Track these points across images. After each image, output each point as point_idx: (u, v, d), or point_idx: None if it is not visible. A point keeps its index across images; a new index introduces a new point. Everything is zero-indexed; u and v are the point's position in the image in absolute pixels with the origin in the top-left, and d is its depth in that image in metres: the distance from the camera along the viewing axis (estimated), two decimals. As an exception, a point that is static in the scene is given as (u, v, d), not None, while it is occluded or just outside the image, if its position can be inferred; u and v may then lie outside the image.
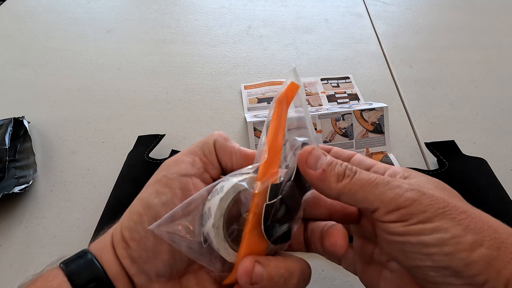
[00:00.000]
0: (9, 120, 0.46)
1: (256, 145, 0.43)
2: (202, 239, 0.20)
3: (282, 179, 0.21)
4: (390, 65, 0.59)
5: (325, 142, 0.43)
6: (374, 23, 0.68)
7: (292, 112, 0.23)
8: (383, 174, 0.21)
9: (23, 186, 0.39)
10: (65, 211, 0.39)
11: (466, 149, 0.43)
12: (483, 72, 0.57)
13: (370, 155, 0.44)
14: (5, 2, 0.73)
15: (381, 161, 0.43)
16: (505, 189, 0.38)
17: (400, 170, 0.21)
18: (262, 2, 0.75)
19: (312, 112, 0.44)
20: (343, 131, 0.44)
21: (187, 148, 0.23)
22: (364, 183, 0.19)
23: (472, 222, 0.17)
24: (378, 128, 0.44)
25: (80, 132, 0.48)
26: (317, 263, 0.35)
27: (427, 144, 0.44)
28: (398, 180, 0.19)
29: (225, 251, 0.19)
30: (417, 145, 0.46)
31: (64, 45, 0.63)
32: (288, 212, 0.20)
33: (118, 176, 0.41)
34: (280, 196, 0.20)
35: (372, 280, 0.22)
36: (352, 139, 0.44)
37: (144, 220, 0.19)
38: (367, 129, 0.44)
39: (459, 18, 0.69)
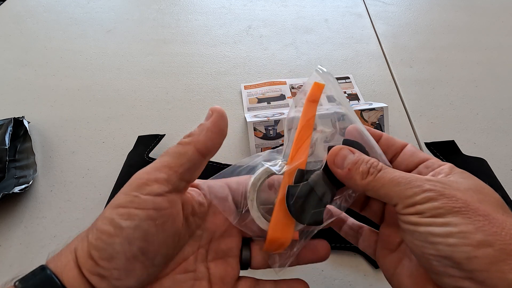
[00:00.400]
0: (9, 120, 0.46)
1: (256, 145, 0.43)
2: (242, 209, 0.25)
3: (314, 169, 0.24)
4: (390, 65, 0.59)
5: (325, 142, 0.43)
6: (374, 23, 0.68)
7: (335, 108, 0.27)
8: (432, 171, 0.22)
9: (23, 186, 0.39)
10: (65, 211, 0.39)
11: (466, 149, 0.43)
12: (483, 72, 0.57)
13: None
14: (5, 2, 0.73)
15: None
16: (505, 189, 0.38)
17: (447, 168, 0.21)
18: (262, 2, 0.75)
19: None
20: (343, 131, 0.44)
21: (160, 160, 0.21)
22: (386, 181, 0.20)
23: (488, 225, 0.17)
24: (378, 128, 0.44)
25: (80, 132, 0.48)
26: (317, 263, 0.35)
27: (427, 144, 0.44)
28: (421, 179, 0.20)
29: (259, 219, 0.24)
30: (417, 145, 0.46)
31: (64, 45, 0.63)
32: (314, 196, 0.23)
33: (118, 176, 0.41)
34: (305, 181, 0.23)
35: (390, 265, 0.24)
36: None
37: (116, 242, 0.19)
38: (367, 129, 0.44)
39: (459, 18, 0.69)
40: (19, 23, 0.68)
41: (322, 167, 0.23)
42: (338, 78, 0.56)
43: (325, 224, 0.24)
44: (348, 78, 0.56)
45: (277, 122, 0.43)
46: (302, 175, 0.23)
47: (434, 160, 0.23)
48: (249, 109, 0.51)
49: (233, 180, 0.25)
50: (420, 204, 0.19)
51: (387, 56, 0.61)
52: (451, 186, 0.19)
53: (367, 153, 0.23)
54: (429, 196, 0.19)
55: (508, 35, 0.65)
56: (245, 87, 0.55)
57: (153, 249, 0.20)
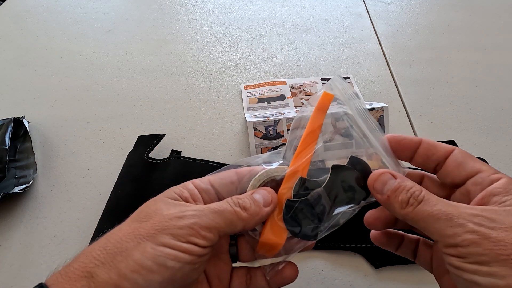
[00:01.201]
0: (9, 120, 0.46)
1: (256, 145, 0.43)
2: None
3: (316, 179, 0.24)
4: (390, 65, 0.59)
5: (325, 142, 0.43)
6: (374, 23, 0.68)
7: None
8: (485, 188, 0.20)
9: (23, 186, 0.39)
10: (65, 211, 0.39)
11: (466, 149, 0.43)
12: (483, 72, 0.57)
13: (370, 155, 0.44)
14: (5, 2, 0.73)
15: (381, 161, 0.43)
16: (505, 189, 0.38)
17: (501, 187, 0.19)
18: (262, 2, 0.75)
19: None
20: (343, 131, 0.44)
21: (214, 217, 0.21)
22: (426, 215, 0.19)
23: None
24: (378, 128, 0.44)
25: (80, 132, 0.48)
26: (317, 263, 0.35)
27: (427, 144, 0.44)
28: (464, 216, 0.18)
29: None
30: (417, 145, 0.46)
31: (64, 45, 0.63)
32: (311, 213, 0.23)
33: (118, 176, 0.41)
34: (304, 195, 0.23)
35: (446, 283, 0.23)
36: (352, 139, 0.44)
37: (155, 279, 0.18)
38: (367, 129, 0.44)
39: (459, 18, 0.69)
40: (19, 23, 0.68)
41: (324, 185, 0.23)
42: (338, 78, 0.56)
43: (320, 237, 0.24)
44: (348, 78, 0.56)
45: (277, 122, 0.43)
46: (303, 183, 0.23)
47: (485, 173, 0.20)
48: (249, 109, 0.51)
49: (232, 174, 0.25)
50: (462, 247, 0.17)
51: (387, 56, 0.61)
52: (502, 223, 0.17)
53: (369, 173, 0.23)
54: (471, 239, 0.17)
55: (508, 35, 0.65)
56: (245, 87, 0.55)
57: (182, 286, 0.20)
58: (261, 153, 0.43)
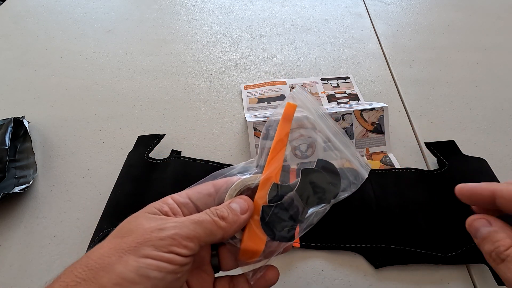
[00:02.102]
0: (9, 120, 0.46)
1: (256, 145, 0.43)
2: None
3: (288, 184, 0.25)
4: (390, 65, 0.59)
5: (325, 142, 0.43)
6: (374, 23, 0.68)
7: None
8: None
9: (23, 186, 0.39)
10: (65, 211, 0.39)
11: (466, 149, 0.43)
12: (483, 72, 0.57)
13: (370, 155, 0.44)
14: (5, 2, 0.73)
15: (381, 161, 0.43)
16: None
17: None
18: (262, 2, 0.75)
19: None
20: (343, 131, 0.44)
21: (194, 228, 0.22)
22: (507, 277, 0.19)
23: None
24: (378, 128, 0.44)
25: (80, 132, 0.48)
26: (317, 263, 0.35)
27: (427, 144, 0.44)
28: None
29: None
30: (417, 145, 0.46)
31: (64, 45, 0.63)
32: (286, 216, 0.24)
33: (118, 176, 0.41)
34: (279, 199, 0.24)
35: None
36: (352, 139, 0.44)
37: None
38: (367, 129, 0.44)
39: (459, 18, 0.69)
40: (19, 23, 0.68)
41: (296, 189, 0.25)
42: (338, 78, 0.56)
43: (298, 237, 0.25)
44: (348, 78, 0.56)
45: (277, 122, 0.43)
46: (276, 189, 0.25)
47: None
48: (249, 109, 0.51)
49: (210, 186, 0.26)
50: None
51: (387, 56, 0.61)
52: None
53: (336, 173, 0.26)
54: None
55: (508, 35, 0.65)
56: (245, 87, 0.55)
57: None
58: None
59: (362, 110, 0.44)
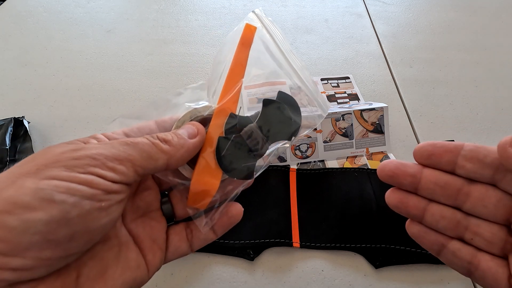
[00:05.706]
0: (9, 120, 0.46)
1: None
2: None
3: (246, 115, 0.23)
4: (390, 65, 0.59)
5: (325, 142, 0.43)
6: (374, 23, 0.68)
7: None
8: None
9: (23, 186, 0.39)
10: (65, 211, 0.39)
11: (466, 149, 0.43)
12: (483, 72, 0.57)
13: (370, 155, 0.44)
14: (5, 2, 0.73)
15: (381, 161, 0.43)
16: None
17: None
18: (262, 2, 0.75)
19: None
20: (343, 131, 0.44)
21: (125, 149, 0.17)
22: None
23: None
24: (378, 128, 0.44)
25: (80, 132, 0.48)
26: (317, 263, 0.35)
27: (427, 144, 0.44)
28: None
29: (182, 167, 0.21)
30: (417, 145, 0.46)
31: (64, 45, 0.63)
32: (246, 150, 0.22)
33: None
34: (237, 132, 0.22)
35: None
36: (352, 139, 0.44)
37: (38, 218, 0.14)
38: (367, 129, 0.44)
39: (459, 18, 0.69)
40: (19, 23, 0.68)
41: (256, 120, 0.22)
42: (338, 78, 0.56)
43: (255, 176, 0.22)
44: (348, 78, 0.56)
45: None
46: (234, 119, 0.22)
47: None
48: (249, 109, 0.51)
49: (151, 123, 0.22)
50: None
51: (387, 56, 0.61)
52: None
53: (299, 110, 0.23)
54: None
55: (508, 35, 0.65)
56: (245, 87, 0.55)
57: (84, 236, 0.16)
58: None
59: (362, 110, 0.44)
